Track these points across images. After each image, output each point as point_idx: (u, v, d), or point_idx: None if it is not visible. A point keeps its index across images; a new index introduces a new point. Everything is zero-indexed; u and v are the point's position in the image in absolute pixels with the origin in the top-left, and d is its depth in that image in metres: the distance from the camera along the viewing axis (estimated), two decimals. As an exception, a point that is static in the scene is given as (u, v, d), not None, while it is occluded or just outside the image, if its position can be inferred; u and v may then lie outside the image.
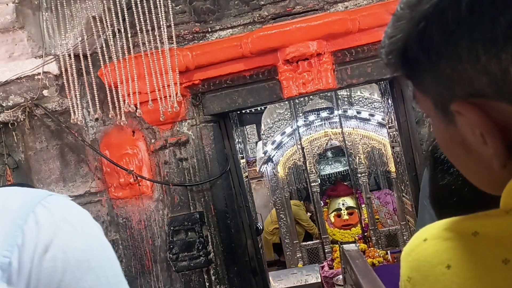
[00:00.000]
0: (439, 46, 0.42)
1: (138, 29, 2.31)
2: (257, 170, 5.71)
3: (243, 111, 5.25)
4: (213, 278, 2.60)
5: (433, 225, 0.47)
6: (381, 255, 4.56)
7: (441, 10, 0.41)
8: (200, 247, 2.52)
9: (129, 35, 2.34)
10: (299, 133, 5.21)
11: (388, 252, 4.49)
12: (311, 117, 5.30)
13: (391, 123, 3.07)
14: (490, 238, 0.42)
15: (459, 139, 0.46)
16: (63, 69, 2.22)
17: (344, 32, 2.36)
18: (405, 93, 2.60)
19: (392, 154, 3.49)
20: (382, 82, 2.93)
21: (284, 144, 5.43)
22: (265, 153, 5.37)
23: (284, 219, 5.37)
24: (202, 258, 2.53)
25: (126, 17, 2.33)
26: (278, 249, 5.86)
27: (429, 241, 0.45)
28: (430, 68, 0.45)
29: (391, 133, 3.19)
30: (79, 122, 2.17)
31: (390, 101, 2.94)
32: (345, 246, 2.91)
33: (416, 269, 0.46)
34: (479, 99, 0.41)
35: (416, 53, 0.45)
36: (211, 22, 2.53)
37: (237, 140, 3.10)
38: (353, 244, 2.93)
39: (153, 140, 2.62)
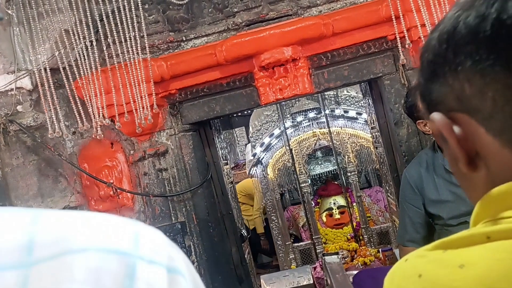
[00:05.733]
0: (426, 75, 0.55)
1: (111, 40, 2.29)
2: (247, 173, 5.69)
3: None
4: None
5: (418, 249, 0.53)
6: (373, 254, 4.57)
7: (426, 45, 0.55)
8: (183, 258, 2.50)
9: (103, 47, 2.33)
10: (286, 134, 5.20)
11: (380, 250, 4.49)
12: (299, 118, 5.29)
13: (373, 124, 3.07)
14: (472, 269, 0.46)
15: (453, 157, 0.53)
16: (39, 84, 2.20)
17: (318, 36, 2.35)
18: (383, 94, 2.59)
19: (375, 154, 3.49)
20: (362, 83, 2.92)
21: (272, 146, 5.41)
22: (254, 155, 5.36)
23: (276, 221, 5.35)
24: (185, 268, 2.51)
25: (99, 29, 2.31)
26: None
27: (409, 260, 0.52)
28: (427, 96, 0.56)
29: (373, 134, 3.19)
30: (63, 135, 2.15)
31: (370, 102, 2.94)
32: (327, 258, 2.90)
33: (390, 281, 0.52)
34: (451, 113, 0.51)
35: (422, 86, 0.57)
36: (185, 30, 2.52)
37: (219, 147, 3.08)
38: (335, 256, 2.91)
39: (132, 152, 2.60)
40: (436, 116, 0.53)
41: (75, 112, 2.31)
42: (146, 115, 2.29)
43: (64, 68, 2.25)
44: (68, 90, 2.29)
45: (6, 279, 0.30)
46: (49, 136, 2.16)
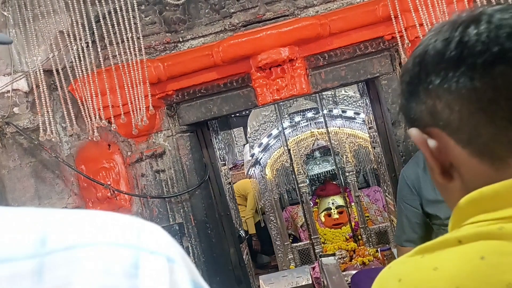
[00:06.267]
0: (405, 95, 0.61)
1: (107, 42, 2.28)
2: (245, 173, 5.69)
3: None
4: (195, 289, 2.58)
5: (401, 256, 0.58)
6: (371, 254, 4.56)
7: (404, 68, 0.62)
8: (181, 259, 2.50)
9: (99, 48, 2.32)
10: (284, 134, 5.19)
11: (378, 249, 4.49)
12: (297, 118, 5.28)
13: (371, 124, 3.06)
14: (444, 270, 0.51)
15: (431, 168, 0.59)
16: (34, 86, 2.19)
17: (315, 37, 2.34)
18: (380, 94, 2.59)
19: (373, 154, 3.49)
20: (360, 83, 2.92)
21: (271, 146, 5.41)
22: (252, 156, 5.35)
23: (274, 221, 5.35)
24: (183, 269, 2.50)
25: (95, 30, 2.30)
26: None
27: (392, 267, 0.56)
28: (407, 115, 0.62)
29: (371, 134, 3.19)
30: (53, 139, 2.14)
31: (368, 102, 2.93)
32: (324, 260, 2.89)
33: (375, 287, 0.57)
34: (426, 129, 0.57)
35: (403, 106, 0.64)
36: (182, 31, 2.51)
37: (217, 147, 3.08)
38: (332, 257, 2.91)
39: (129, 153, 2.59)
40: (413, 131, 0.59)
41: (65, 114, 2.29)
42: (142, 116, 2.29)
43: (57, 70, 2.24)
44: (60, 92, 2.28)
45: (23, 267, 0.33)
46: (40, 138, 2.15)
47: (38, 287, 0.32)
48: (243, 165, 6.21)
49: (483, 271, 0.48)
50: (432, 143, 0.57)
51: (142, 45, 2.24)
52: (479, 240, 0.50)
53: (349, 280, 3.35)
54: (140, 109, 2.24)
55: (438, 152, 0.56)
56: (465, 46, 0.53)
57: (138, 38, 2.24)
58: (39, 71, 2.10)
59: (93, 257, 0.34)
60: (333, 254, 3.06)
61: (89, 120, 2.30)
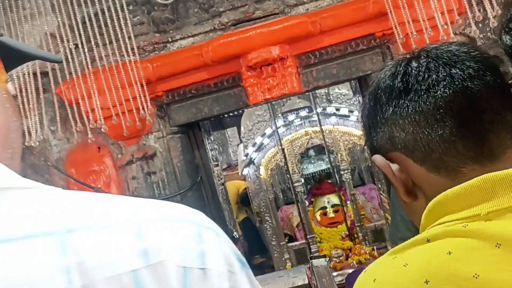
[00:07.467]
0: (366, 128, 0.69)
1: (93, 43, 2.25)
2: (239, 173, 5.66)
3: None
4: (189, 292, 2.55)
5: (377, 259, 0.63)
6: (367, 252, 4.55)
7: (363, 105, 0.70)
8: (174, 262, 2.47)
9: (87, 50, 2.29)
10: (278, 133, 5.17)
11: (374, 248, 4.48)
12: (291, 117, 5.26)
13: (364, 122, 3.05)
14: (414, 265, 0.55)
15: (396, 189, 0.65)
16: (17, 89, 2.15)
17: (305, 35, 2.32)
18: (373, 92, 2.57)
19: (368, 152, 3.47)
20: (352, 81, 2.91)
21: (265, 146, 5.38)
22: (246, 155, 5.33)
23: (270, 221, 5.33)
24: (176, 272, 2.48)
25: (83, 32, 2.27)
26: None
27: (367, 270, 0.61)
28: (370, 145, 0.68)
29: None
30: (33, 144, 2.11)
31: (361, 100, 2.92)
32: (314, 262, 2.87)
33: None
34: (388, 154, 0.64)
35: (366, 139, 0.71)
36: (171, 31, 2.48)
37: (209, 148, 3.05)
38: (323, 259, 2.88)
39: (119, 155, 2.56)
40: (376, 158, 0.66)
41: (59, 117, 2.27)
42: (144, 116, 2.27)
43: (44, 72, 2.20)
44: (45, 95, 2.24)
45: (125, 229, 0.44)
46: (26, 143, 2.12)
47: (141, 243, 0.44)
48: (237, 165, 6.18)
49: (450, 264, 0.52)
50: (394, 166, 0.63)
51: (134, 45, 2.21)
52: (446, 238, 0.54)
53: (344, 280, 3.33)
54: (138, 110, 2.22)
55: (401, 174, 0.63)
56: (409, 76, 0.62)
57: (129, 37, 2.21)
58: (22, 74, 2.06)
59: (173, 227, 0.47)
60: (324, 256, 3.03)
61: (79, 122, 2.27)
